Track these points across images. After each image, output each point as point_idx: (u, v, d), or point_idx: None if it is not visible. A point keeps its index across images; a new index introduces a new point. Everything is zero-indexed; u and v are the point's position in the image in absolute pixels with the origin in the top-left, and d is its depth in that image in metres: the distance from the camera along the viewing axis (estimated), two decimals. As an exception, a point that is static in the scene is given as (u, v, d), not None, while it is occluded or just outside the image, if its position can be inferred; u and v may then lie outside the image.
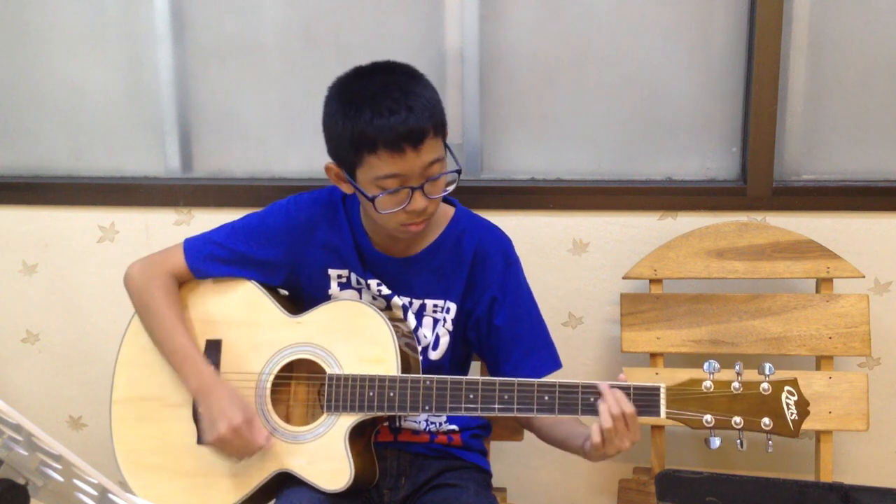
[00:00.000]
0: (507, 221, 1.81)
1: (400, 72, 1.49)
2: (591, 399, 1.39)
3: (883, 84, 1.97)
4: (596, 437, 1.37)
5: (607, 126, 2.05)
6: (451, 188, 1.50)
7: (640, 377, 1.82)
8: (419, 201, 1.44)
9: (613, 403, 1.36)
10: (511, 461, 2.12)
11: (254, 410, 1.50)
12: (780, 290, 1.93)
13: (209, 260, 1.60)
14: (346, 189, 1.52)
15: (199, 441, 1.53)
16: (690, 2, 1.97)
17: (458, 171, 1.48)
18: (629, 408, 1.36)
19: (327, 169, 1.52)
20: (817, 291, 1.91)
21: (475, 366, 1.76)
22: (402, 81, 1.45)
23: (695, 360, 1.90)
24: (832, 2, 1.94)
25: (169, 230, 2.12)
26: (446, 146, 1.49)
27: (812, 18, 1.95)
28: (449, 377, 1.45)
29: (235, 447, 1.47)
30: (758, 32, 1.91)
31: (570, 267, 2.04)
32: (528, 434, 1.68)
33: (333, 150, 1.49)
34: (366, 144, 1.41)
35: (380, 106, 1.40)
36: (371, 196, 1.44)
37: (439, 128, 1.45)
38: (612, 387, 1.38)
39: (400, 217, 1.46)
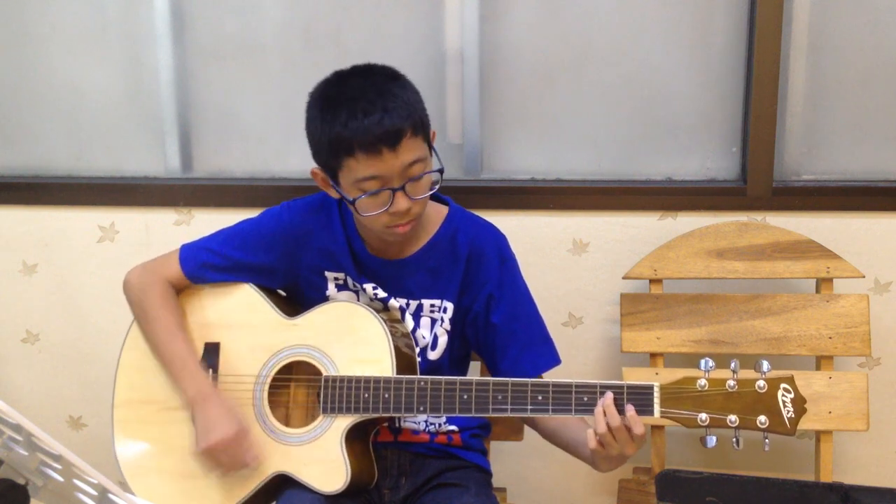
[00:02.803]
0: (507, 221, 1.81)
1: (378, 73, 1.48)
2: (585, 398, 1.39)
3: (883, 84, 1.96)
4: (592, 443, 1.37)
5: (607, 126, 2.04)
6: (435, 188, 1.49)
7: (640, 377, 1.82)
8: (401, 202, 1.43)
9: (610, 405, 1.36)
10: (511, 461, 2.12)
11: (247, 427, 1.50)
12: (780, 290, 1.93)
13: (205, 268, 1.60)
14: (333, 194, 1.52)
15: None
16: (690, 2, 1.97)
17: (441, 171, 1.47)
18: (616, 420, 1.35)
19: (313, 174, 1.53)
20: (817, 291, 1.91)
21: (475, 366, 1.76)
22: (379, 83, 1.44)
23: (695, 361, 1.88)
24: (832, 2, 1.94)
25: (169, 230, 2.12)
26: (432, 147, 1.49)
27: (812, 18, 1.95)
28: (443, 378, 1.45)
29: (223, 461, 1.48)
30: (758, 32, 1.91)
31: (570, 267, 2.04)
32: (528, 434, 1.68)
33: (316, 155, 1.50)
34: (343, 148, 1.41)
35: (355, 108, 1.40)
36: (352, 199, 1.44)
37: (419, 127, 1.44)
38: (605, 386, 1.37)
39: (383, 219, 1.46)
